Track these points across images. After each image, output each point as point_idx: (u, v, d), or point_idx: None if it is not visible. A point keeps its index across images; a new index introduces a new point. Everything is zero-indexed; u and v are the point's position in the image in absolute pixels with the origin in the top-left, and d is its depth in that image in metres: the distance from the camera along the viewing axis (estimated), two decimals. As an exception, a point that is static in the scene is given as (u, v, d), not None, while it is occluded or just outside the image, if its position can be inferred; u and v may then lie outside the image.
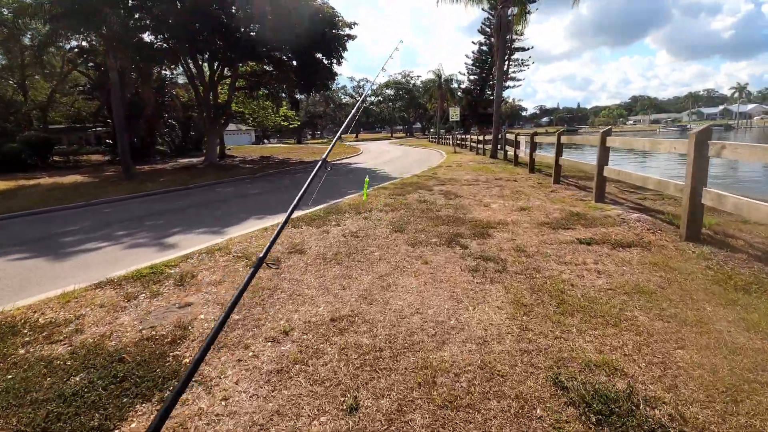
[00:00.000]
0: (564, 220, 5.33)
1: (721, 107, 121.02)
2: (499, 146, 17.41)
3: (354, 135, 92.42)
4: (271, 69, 22.05)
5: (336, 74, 24.53)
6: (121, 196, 10.35)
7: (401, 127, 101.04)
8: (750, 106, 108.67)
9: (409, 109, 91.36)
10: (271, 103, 26.31)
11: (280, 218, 7.21)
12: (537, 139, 10.87)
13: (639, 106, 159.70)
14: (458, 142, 29.21)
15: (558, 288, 3.17)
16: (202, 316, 2.97)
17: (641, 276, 3.36)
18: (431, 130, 65.64)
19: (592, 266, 3.63)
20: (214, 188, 11.94)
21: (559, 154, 8.74)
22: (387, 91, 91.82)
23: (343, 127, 2.58)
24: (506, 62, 17.94)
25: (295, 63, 20.66)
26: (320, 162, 2.05)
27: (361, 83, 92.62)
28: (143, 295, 3.42)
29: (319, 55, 20.72)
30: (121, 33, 12.52)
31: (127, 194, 10.56)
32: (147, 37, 15.71)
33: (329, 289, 3.38)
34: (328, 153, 2.18)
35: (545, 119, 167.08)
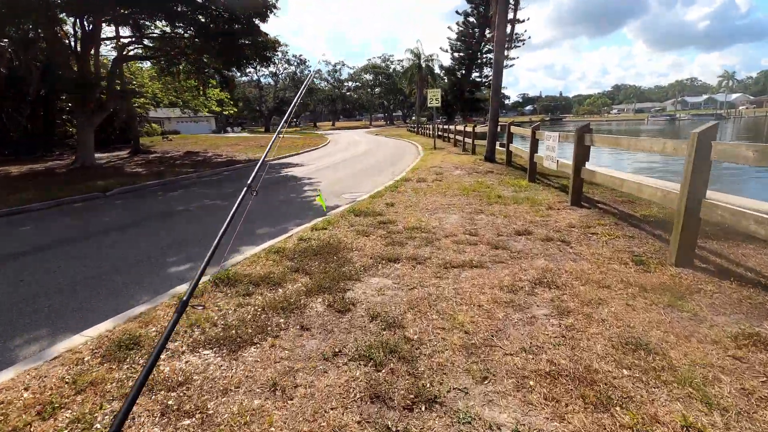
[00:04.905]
0: None
1: (705, 96, 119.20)
2: (498, 143, 11.91)
3: (330, 123, 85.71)
4: (183, 32, 15.86)
5: (278, 43, 18.50)
6: None
7: (382, 115, 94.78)
8: (734, 96, 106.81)
9: (389, 95, 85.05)
10: (195, 82, 20.00)
11: None
12: (598, 140, 5.34)
13: (622, 95, 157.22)
14: (440, 133, 23.56)
15: None
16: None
17: None
18: (412, 118, 59.78)
19: None
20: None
21: (698, 186, 3.22)
22: (365, 76, 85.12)
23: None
24: (510, 25, 12.23)
25: (209, 22, 14.53)
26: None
27: (337, 67, 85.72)
28: None
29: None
30: None
31: None
32: None
33: None
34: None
35: (528, 108, 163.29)
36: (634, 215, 5.17)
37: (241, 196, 1.78)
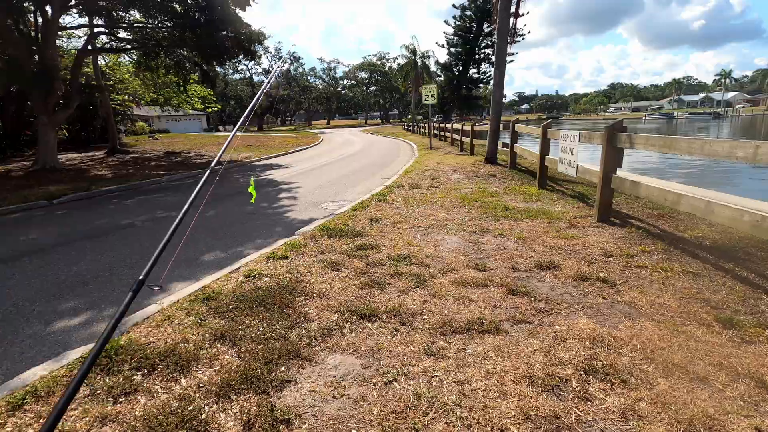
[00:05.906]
0: None
1: (701, 95, 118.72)
2: (501, 143, 10.78)
3: (325, 121, 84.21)
4: (158, 22, 14.60)
5: (263, 36, 17.37)
6: None
7: (378, 114, 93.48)
8: (731, 94, 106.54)
9: (385, 93, 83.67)
10: (174, 77, 18.72)
11: None
12: (640, 142, 4.18)
13: (618, 93, 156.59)
14: (436, 132, 22.44)
15: None
16: None
17: None
18: (408, 116, 58.64)
19: None
20: None
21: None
22: (361, 74, 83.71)
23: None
24: (513, 18, 11.01)
25: (185, 11, 13.29)
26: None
27: (332, 64, 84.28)
28: None
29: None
30: None
31: None
32: None
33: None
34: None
35: (524, 106, 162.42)
36: (682, 237, 4.04)
37: None
